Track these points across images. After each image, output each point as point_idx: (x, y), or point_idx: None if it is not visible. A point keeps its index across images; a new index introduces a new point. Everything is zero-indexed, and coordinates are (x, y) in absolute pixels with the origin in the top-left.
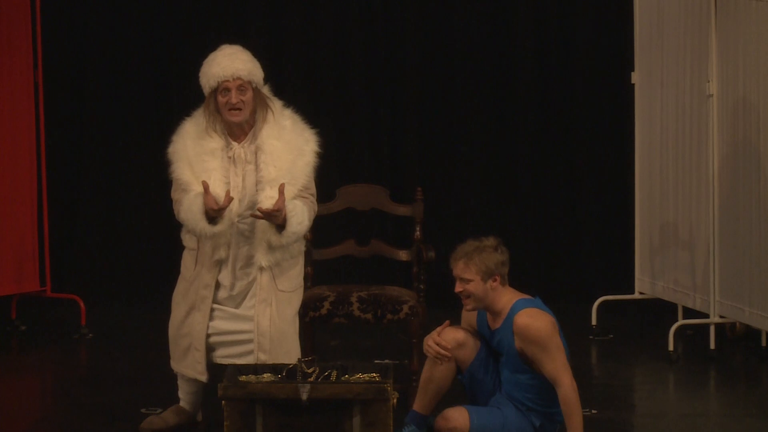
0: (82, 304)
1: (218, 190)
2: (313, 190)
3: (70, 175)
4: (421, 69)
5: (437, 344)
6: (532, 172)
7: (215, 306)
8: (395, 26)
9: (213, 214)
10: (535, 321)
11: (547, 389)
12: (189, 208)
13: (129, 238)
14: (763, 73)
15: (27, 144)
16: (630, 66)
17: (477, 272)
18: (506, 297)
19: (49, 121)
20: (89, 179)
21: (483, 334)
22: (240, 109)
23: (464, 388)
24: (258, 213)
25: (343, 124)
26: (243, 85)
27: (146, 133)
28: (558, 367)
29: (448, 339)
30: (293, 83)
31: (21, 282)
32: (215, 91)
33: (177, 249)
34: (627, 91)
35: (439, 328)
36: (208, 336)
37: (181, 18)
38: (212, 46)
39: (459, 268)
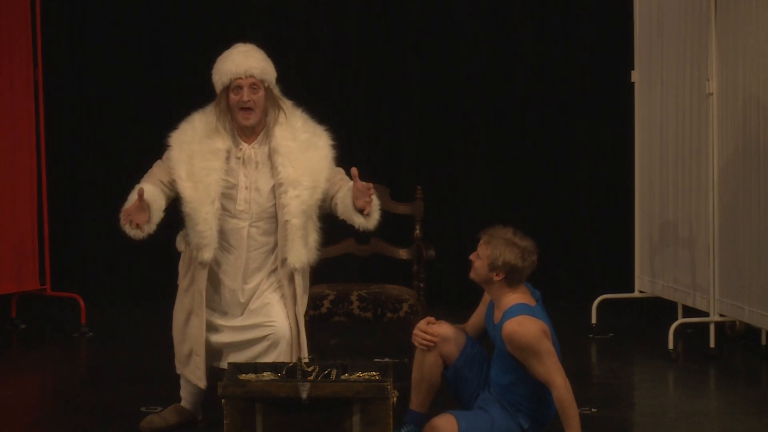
0: (82, 303)
1: (211, 192)
2: (344, 174)
3: (70, 174)
4: (421, 67)
5: (424, 332)
6: (532, 171)
7: (220, 324)
8: (395, 24)
9: (128, 215)
10: (521, 328)
11: (535, 391)
12: (129, 199)
13: (129, 237)
14: (763, 71)
15: (27, 144)
16: (630, 64)
17: (486, 257)
18: (510, 297)
19: (49, 120)
20: (89, 179)
21: (488, 326)
22: (251, 109)
23: (448, 384)
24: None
25: (343, 121)
26: (255, 84)
27: (146, 132)
28: (549, 369)
29: (434, 331)
30: (292, 81)
31: (21, 280)
32: (227, 89)
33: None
34: (627, 90)
35: (424, 319)
36: (212, 345)
37: (181, 17)
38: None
39: (480, 242)
